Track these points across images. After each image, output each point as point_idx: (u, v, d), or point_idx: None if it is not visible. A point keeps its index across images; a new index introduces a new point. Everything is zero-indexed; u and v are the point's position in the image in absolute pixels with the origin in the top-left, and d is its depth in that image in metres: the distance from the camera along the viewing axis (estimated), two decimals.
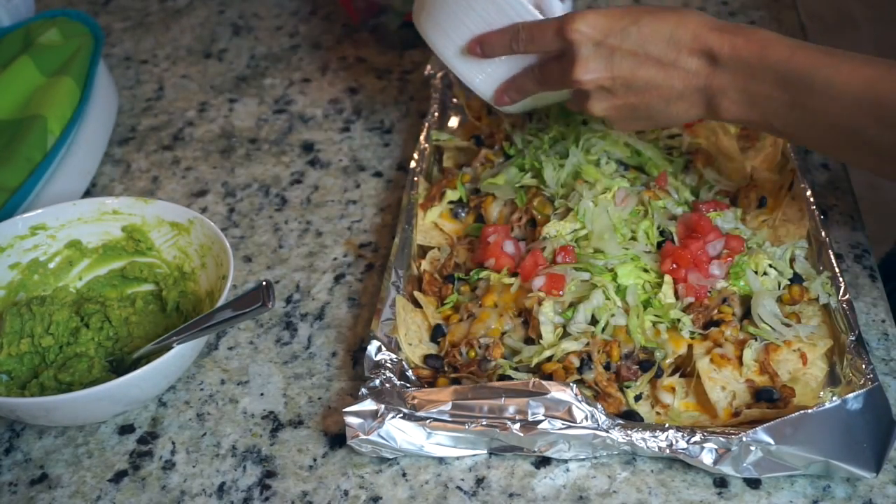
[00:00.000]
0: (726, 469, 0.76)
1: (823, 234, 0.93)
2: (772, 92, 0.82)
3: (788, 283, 0.89)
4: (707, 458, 0.76)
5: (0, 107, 1.11)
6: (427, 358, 0.87)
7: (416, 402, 0.79)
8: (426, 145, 1.09)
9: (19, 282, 0.95)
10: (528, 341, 0.87)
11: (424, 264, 0.97)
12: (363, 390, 0.81)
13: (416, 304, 0.92)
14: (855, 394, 0.76)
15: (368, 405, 0.79)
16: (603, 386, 0.82)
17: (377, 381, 0.81)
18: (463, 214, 1.02)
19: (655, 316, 0.87)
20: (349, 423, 0.79)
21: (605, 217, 0.93)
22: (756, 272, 0.89)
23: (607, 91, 0.88)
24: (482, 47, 0.95)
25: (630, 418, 0.79)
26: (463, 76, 1.00)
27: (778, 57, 0.81)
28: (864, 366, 0.80)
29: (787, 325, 0.85)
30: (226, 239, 0.90)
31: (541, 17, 0.93)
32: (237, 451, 0.84)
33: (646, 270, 0.89)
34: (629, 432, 0.77)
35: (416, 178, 1.04)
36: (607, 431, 0.76)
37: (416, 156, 1.08)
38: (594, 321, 0.86)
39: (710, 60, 0.83)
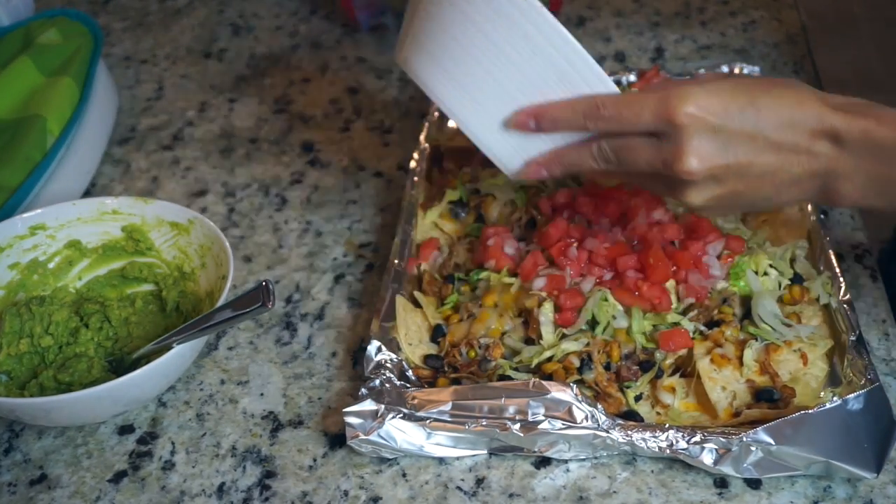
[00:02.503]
0: (726, 469, 0.76)
1: (823, 234, 0.93)
2: None
3: (789, 283, 0.89)
4: (707, 459, 0.76)
5: (0, 107, 1.11)
6: (427, 358, 0.87)
7: (416, 402, 0.79)
8: (426, 145, 1.09)
9: (19, 282, 0.94)
10: (529, 341, 0.87)
11: (424, 264, 0.97)
12: (363, 390, 0.81)
13: (416, 304, 0.92)
14: (855, 394, 0.76)
15: (368, 405, 0.79)
16: (603, 386, 0.82)
17: (377, 381, 0.81)
18: (463, 214, 1.02)
19: (655, 317, 0.86)
20: (349, 423, 0.79)
21: None
22: (756, 272, 0.89)
23: (715, 180, 0.76)
24: (539, 121, 0.79)
25: (630, 418, 0.79)
26: (486, 147, 0.81)
27: None
28: (864, 366, 0.80)
29: (788, 326, 0.85)
30: (226, 239, 0.90)
31: (616, 88, 0.77)
32: (237, 452, 0.84)
33: None
34: (629, 432, 0.77)
35: (416, 178, 1.04)
36: (607, 431, 0.76)
37: (416, 156, 1.08)
38: (594, 322, 0.86)
39: (834, 143, 0.74)
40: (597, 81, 0.77)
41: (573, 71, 0.76)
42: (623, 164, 0.78)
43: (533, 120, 0.79)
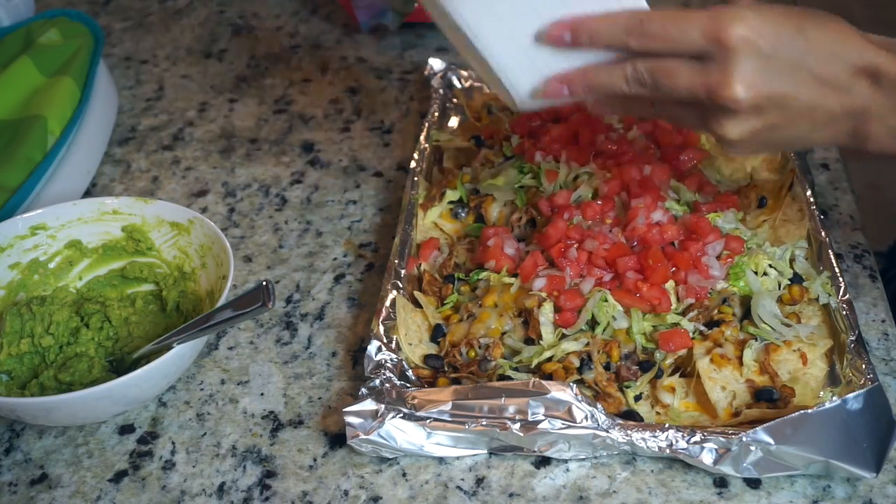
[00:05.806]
0: (726, 469, 0.76)
1: (823, 234, 0.93)
2: None
3: (788, 283, 0.89)
4: (707, 458, 0.76)
5: (0, 107, 1.11)
6: (427, 358, 0.87)
7: (416, 402, 0.79)
8: (426, 145, 1.09)
9: (19, 282, 0.95)
10: (528, 341, 0.87)
11: (424, 264, 0.97)
12: (363, 390, 0.81)
13: (416, 304, 0.92)
14: (855, 394, 0.76)
15: (368, 405, 0.79)
16: (603, 386, 0.82)
17: (377, 381, 0.81)
18: (463, 214, 1.02)
19: (655, 318, 0.87)
20: (349, 422, 0.79)
21: None
22: (756, 272, 0.89)
23: (757, 111, 0.71)
24: (575, 34, 0.71)
25: (630, 418, 0.79)
26: (500, 64, 0.73)
27: None
28: (863, 366, 0.80)
29: (787, 325, 0.85)
30: (226, 239, 0.90)
31: (647, 6, 0.71)
32: (237, 451, 0.84)
33: None
34: (629, 432, 0.77)
35: (416, 178, 1.04)
36: (607, 431, 0.76)
37: (416, 156, 1.08)
38: (594, 322, 0.86)
39: (873, 81, 0.71)
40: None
41: None
42: (659, 88, 0.72)
43: (568, 32, 0.71)
